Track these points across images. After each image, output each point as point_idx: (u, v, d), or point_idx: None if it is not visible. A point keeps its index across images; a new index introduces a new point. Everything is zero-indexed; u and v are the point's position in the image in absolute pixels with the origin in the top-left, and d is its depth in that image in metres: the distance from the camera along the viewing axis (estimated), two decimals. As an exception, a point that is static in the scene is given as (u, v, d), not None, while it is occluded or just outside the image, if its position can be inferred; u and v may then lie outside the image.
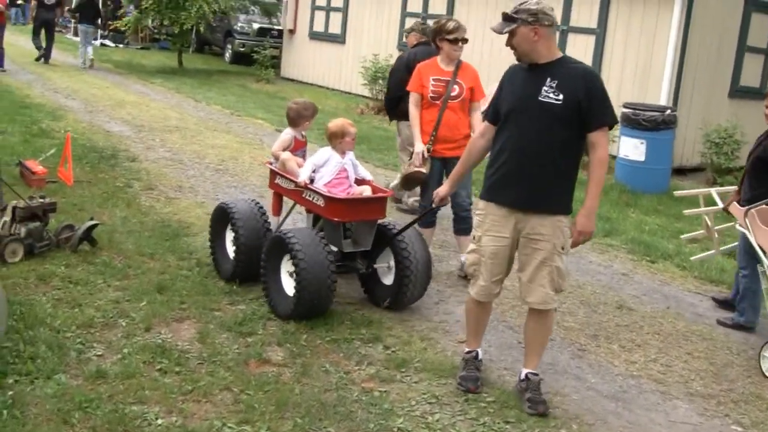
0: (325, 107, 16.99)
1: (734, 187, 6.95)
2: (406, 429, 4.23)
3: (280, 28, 23.27)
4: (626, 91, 12.60)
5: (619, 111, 10.54)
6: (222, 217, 6.20)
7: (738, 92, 13.04)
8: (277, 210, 6.38)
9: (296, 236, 5.39)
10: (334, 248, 5.72)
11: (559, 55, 4.52)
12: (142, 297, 5.55)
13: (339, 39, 19.53)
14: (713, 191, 7.13)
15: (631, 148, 11.16)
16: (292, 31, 21.51)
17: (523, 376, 4.72)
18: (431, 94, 6.58)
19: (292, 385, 4.57)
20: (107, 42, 26.80)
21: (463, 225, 6.80)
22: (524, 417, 4.50)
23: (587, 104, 4.35)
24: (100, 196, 8.11)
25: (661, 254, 8.14)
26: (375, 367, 4.90)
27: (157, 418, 4.04)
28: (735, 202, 6.33)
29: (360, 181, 6.04)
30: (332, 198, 5.59)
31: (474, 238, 4.72)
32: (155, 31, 26.34)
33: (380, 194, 5.86)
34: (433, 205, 5.26)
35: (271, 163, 6.33)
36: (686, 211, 7.69)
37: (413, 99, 6.72)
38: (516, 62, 4.64)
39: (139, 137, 11.56)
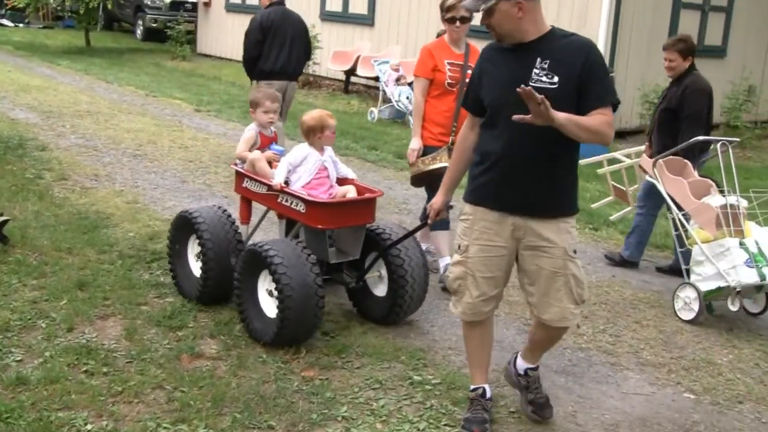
0: (247, 83, 16.84)
1: (639, 148, 7.67)
2: (351, 417, 4.25)
3: (194, 0, 22.95)
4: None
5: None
6: (183, 228, 5.63)
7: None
8: (246, 217, 5.75)
9: (275, 248, 4.87)
10: (317, 259, 5.07)
11: (548, 28, 3.91)
12: (61, 295, 5.45)
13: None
14: (617, 154, 7.74)
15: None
16: (207, 4, 21.25)
17: (521, 370, 4.44)
18: (449, 80, 6.09)
19: (228, 378, 4.55)
20: (5, 21, 26.16)
21: (439, 227, 6.12)
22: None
23: (585, 82, 3.78)
24: (9, 189, 7.92)
25: (604, 221, 8.30)
26: (314, 354, 4.91)
27: (86, 424, 3.98)
28: (644, 155, 6.95)
29: (342, 181, 5.50)
30: (315, 202, 5.03)
31: (459, 247, 4.13)
32: (58, 8, 25.74)
33: (368, 195, 5.27)
34: (429, 221, 4.59)
35: (236, 164, 5.69)
36: (599, 171, 8.07)
37: (421, 85, 6.23)
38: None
39: (48, 124, 11.31)
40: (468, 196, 4.14)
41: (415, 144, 6.21)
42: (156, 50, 21.73)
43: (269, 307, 4.93)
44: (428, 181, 6.11)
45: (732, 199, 6.11)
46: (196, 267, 5.54)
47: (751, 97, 13.59)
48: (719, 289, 5.89)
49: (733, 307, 5.90)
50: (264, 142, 5.69)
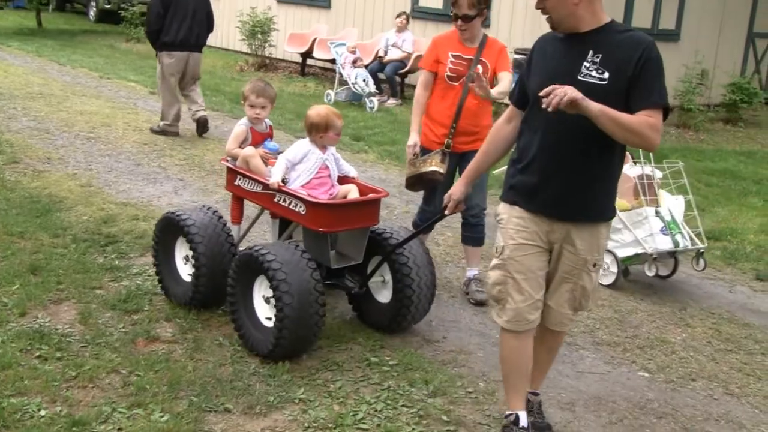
0: (202, 66, 16.69)
1: None
2: (308, 399, 4.24)
3: (147, -18, 22.63)
4: (517, 36, 12.79)
5: (510, 57, 10.69)
6: (170, 231, 5.24)
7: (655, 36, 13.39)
8: (238, 217, 5.36)
9: (272, 253, 4.51)
10: (317, 263, 4.71)
11: (607, 19, 3.62)
12: (13, 280, 5.36)
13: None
14: None
15: None
16: (161, -15, 20.95)
17: None
18: (449, 73, 5.58)
19: (184, 362, 4.52)
20: (-47, 3, 25.57)
21: (473, 233, 5.85)
22: (430, 378, 4.57)
23: (636, 80, 3.48)
24: (-41, 172, 7.77)
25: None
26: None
27: (39, 410, 3.92)
28: None
29: (342, 179, 5.14)
30: (316, 203, 4.67)
31: (496, 249, 3.88)
32: (8, -12, 25.27)
33: (373, 195, 4.93)
34: (446, 212, 4.26)
35: (227, 161, 5.33)
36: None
37: (422, 78, 5.78)
38: (549, 31, 3.79)
39: (-1, 106, 11.11)
40: (503, 196, 3.89)
41: (412, 140, 5.74)
42: (110, 32, 21.40)
43: (266, 315, 4.63)
44: (420, 185, 5.81)
45: (647, 170, 6.48)
46: (185, 271, 5.21)
47: (704, 80, 13.71)
48: (637, 255, 6.26)
49: (650, 272, 6.23)
50: (256, 138, 5.31)
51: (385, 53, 13.94)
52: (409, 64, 13.80)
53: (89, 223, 6.64)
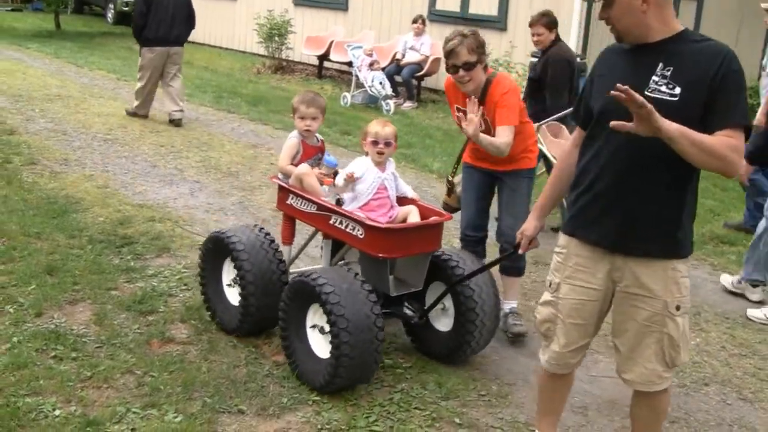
0: (219, 68, 16.78)
1: None
2: (322, 401, 4.25)
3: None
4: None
5: (527, 61, 10.70)
6: (217, 251, 4.99)
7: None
8: (289, 237, 5.09)
9: (328, 280, 4.22)
10: (374, 290, 4.39)
11: (679, 28, 3.26)
12: (30, 280, 5.41)
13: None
14: None
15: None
16: (179, -12, 21.06)
17: None
18: (456, 120, 5.26)
19: (198, 363, 4.54)
20: (-26, 5, 25.80)
21: (510, 261, 5.30)
22: (443, 380, 4.58)
23: (713, 96, 3.10)
24: (-23, 173, 7.85)
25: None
26: (286, 339, 4.90)
27: (54, 409, 3.96)
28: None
29: (401, 199, 4.87)
30: (377, 228, 4.36)
31: (550, 285, 3.59)
32: (27, -9, 25.49)
33: (435, 219, 4.65)
34: (520, 251, 3.93)
35: (278, 178, 5.04)
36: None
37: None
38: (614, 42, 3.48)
39: (17, 108, 11.17)
40: (564, 225, 3.58)
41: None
42: (127, 34, 21.38)
43: (320, 346, 4.35)
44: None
45: None
46: (233, 295, 4.94)
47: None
48: None
49: None
50: (308, 152, 5.01)
51: (403, 56, 13.95)
52: (426, 67, 13.81)
53: (105, 224, 6.69)
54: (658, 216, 3.27)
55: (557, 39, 7.60)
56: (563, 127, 7.45)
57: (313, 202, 4.68)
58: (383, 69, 13.70)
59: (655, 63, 3.21)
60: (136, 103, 11.15)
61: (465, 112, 4.94)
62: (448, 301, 4.74)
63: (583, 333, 3.52)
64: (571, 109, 7.05)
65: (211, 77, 15.45)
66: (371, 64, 13.44)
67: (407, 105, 13.79)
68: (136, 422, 3.92)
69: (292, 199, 4.87)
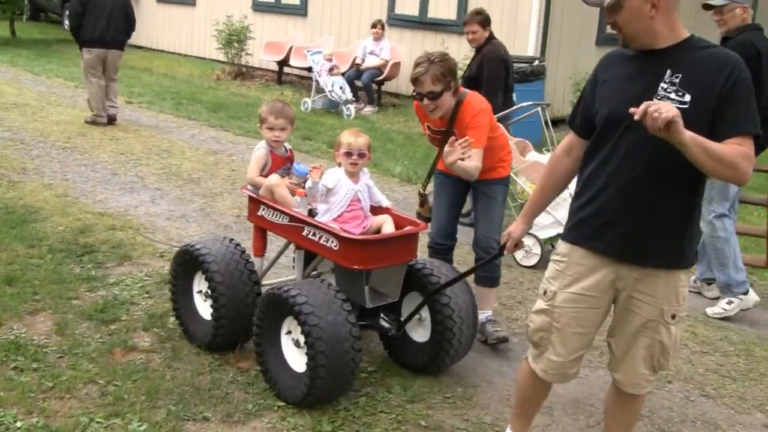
0: (178, 75, 16.68)
1: None
2: (287, 407, 4.23)
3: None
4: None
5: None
6: (188, 265, 4.86)
7: (605, 39, 13.46)
8: (261, 249, 4.98)
9: (302, 293, 4.14)
10: (349, 301, 4.30)
11: (685, 35, 3.21)
12: (-11, 291, 5.34)
13: (189, 1, 19.10)
14: None
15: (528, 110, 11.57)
16: (136, -6, 20.93)
17: None
18: (427, 139, 5.34)
19: (162, 371, 4.51)
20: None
21: (485, 272, 5.21)
22: (408, 384, 4.58)
23: (722, 104, 3.06)
24: (-67, 184, 7.72)
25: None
26: (249, 345, 4.86)
27: (15, 421, 3.90)
28: None
29: (374, 209, 4.80)
30: (352, 239, 4.30)
31: (545, 293, 3.49)
32: (-19, -1, 25.10)
33: (411, 229, 4.58)
34: (505, 252, 3.95)
35: (248, 189, 4.92)
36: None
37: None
38: (615, 49, 3.45)
39: (-27, 117, 11.04)
40: (565, 234, 3.49)
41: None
42: (85, 41, 21.30)
43: (296, 360, 4.26)
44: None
45: None
46: (205, 309, 4.81)
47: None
48: (558, 235, 6.35)
49: None
50: (277, 163, 4.91)
51: (363, 61, 13.97)
52: (386, 72, 13.83)
53: (65, 233, 6.62)
54: (667, 227, 3.23)
55: (491, 37, 7.70)
56: (527, 143, 7.52)
57: (286, 214, 4.59)
58: (343, 74, 13.70)
59: (663, 70, 3.15)
60: (91, 113, 11.15)
61: (437, 132, 5.03)
62: (424, 311, 4.65)
63: (583, 342, 3.45)
64: (514, 108, 7.42)
65: (170, 84, 15.35)
66: (331, 69, 13.43)
67: (368, 110, 13.80)
68: (100, 432, 3.89)
69: (264, 210, 4.76)
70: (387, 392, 4.49)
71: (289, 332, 4.31)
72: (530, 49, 12.48)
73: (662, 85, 3.13)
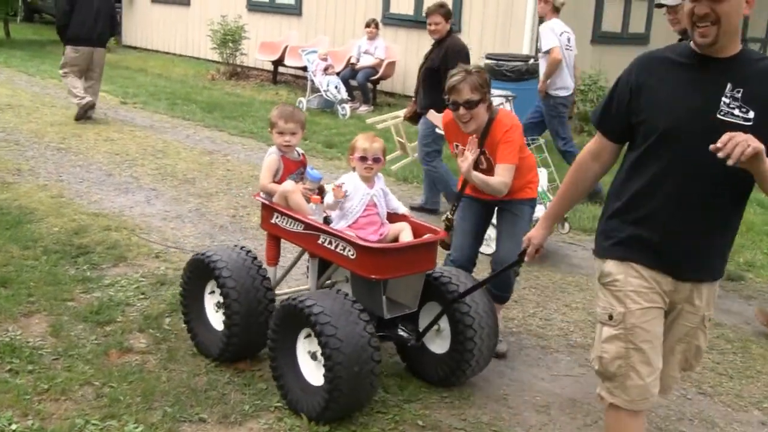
0: (173, 75, 16.66)
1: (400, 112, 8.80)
2: (284, 407, 4.21)
3: (117, -9, 22.54)
4: (488, 41, 12.87)
5: (481, 62, 10.75)
6: (199, 274, 4.70)
7: (600, 38, 13.47)
8: (274, 258, 4.86)
9: (319, 303, 4.00)
10: (367, 312, 4.12)
11: (740, 46, 3.03)
12: (-17, 293, 5.31)
13: (184, 1, 19.06)
14: (398, 113, 9.16)
15: (495, 101, 11.49)
16: (131, -5, 20.90)
17: None
18: (453, 156, 5.12)
19: (158, 372, 4.49)
20: None
21: (498, 289, 4.97)
22: (404, 384, 4.57)
23: None
24: (-73, 185, 7.69)
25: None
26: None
27: (10, 424, 3.88)
28: (432, 110, 7.55)
29: (391, 216, 4.66)
30: (370, 248, 4.15)
31: (611, 318, 3.22)
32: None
33: (430, 237, 4.40)
34: (526, 258, 3.80)
35: (261, 196, 4.79)
36: (368, 120, 9.65)
37: None
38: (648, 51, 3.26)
39: (-33, 118, 11.01)
40: (610, 251, 3.26)
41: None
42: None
43: (313, 374, 4.10)
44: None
45: None
46: (217, 320, 4.67)
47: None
48: None
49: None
50: (289, 168, 4.77)
51: (358, 60, 13.95)
52: (381, 71, 13.82)
53: (60, 234, 6.59)
54: (720, 240, 3.18)
55: (451, 29, 7.79)
56: None
57: (300, 221, 4.46)
58: (338, 73, 13.69)
59: (723, 82, 2.96)
60: (77, 99, 11.21)
61: (463, 150, 4.81)
62: (442, 322, 4.49)
63: (659, 354, 3.24)
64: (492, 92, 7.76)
65: (165, 84, 15.32)
66: (326, 69, 13.42)
67: (363, 109, 13.78)
68: (96, 434, 3.86)
69: (277, 218, 4.62)
70: (384, 392, 4.47)
71: (307, 337, 4.14)
72: (525, 48, 12.45)
73: (724, 99, 2.95)
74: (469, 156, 4.62)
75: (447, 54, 7.55)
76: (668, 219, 3.09)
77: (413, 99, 8.10)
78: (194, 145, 10.45)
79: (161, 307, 5.28)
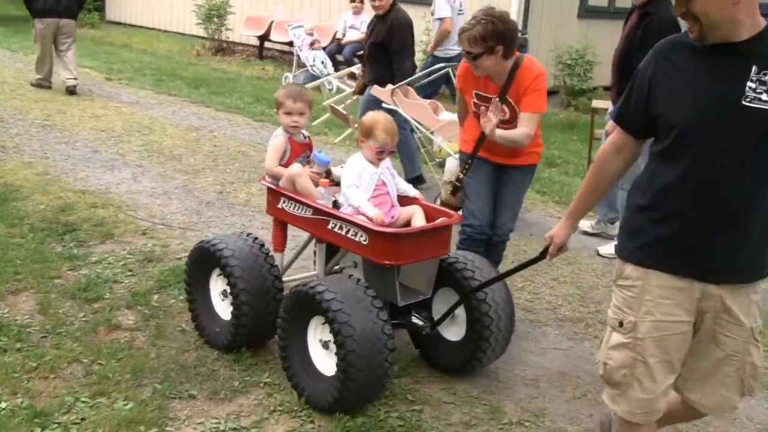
0: (158, 51, 16.54)
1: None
2: (273, 383, 4.22)
3: (100, -34, 22.34)
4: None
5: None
6: (204, 263, 4.59)
7: (587, 12, 13.46)
8: (281, 244, 4.75)
9: (331, 289, 3.89)
10: (380, 304, 3.98)
11: (764, 22, 2.80)
12: (-30, 271, 5.28)
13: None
14: (331, 77, 10.58)
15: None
16: (114, -30, 20.70)
17: None
18: (473, 109, 4.99)
19: (147, 349, 4.48)
20: None
21: (495, 256, 5.19)
22: (395, 359, 4.57)
23: None
24: None
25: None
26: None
27: (0, 402, 3.88)
28: (376, 85, 7.75)
29: (401, 199, 4.49)
30: (384, 233, 4.00)
31: (621, 324, 3.04)
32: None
33: (444, 221, 4.24)
34: (548, 257, 3.61)
35: (266, 180, 4.64)
36: (325, 102, 9.85)
37: (459, 96, 5.21)
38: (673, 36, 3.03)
39: (-50, 95, 10.91)
40: (632, 254, 3.04)
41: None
42: (62, 18, 21.07)
43: (325, 363, 4.00)
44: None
45: None
46: (224, 309, 4.55)
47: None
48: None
49: None
50: (296, 150, 4.63)
51: (344, 35, 13.87)
52: (368, 46, 13.74)
53: (46, 211, 6.55)
54: (759, 237, 2.91)
55: (395, 3, 7.78)
56: (410, 88, 7.99)
57: (309, 206, 4.33)
58: (324, 48, 13.61)
59: (747, 66, 2.74)
60: (37, 76, 11.63)
61: (484, 97, 4.79)
62: (459, 309, 4.37)
63: (669, 371, 3.03)
64: (423, 71, 8.40)
65: (150, 60, 15.21)
66: (312, 44, 13.35)
67: (349, 83, 13.71)
68: (86, 411, 3.84)
69: (284, 202, 4.49)
70: (374, 368, 4.47)
71: (318, 325, 4.04)
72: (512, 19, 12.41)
73: (749, 84, 2.73)
74: (492, 118, 4.55)
75: (392, 28, 7.58)
76: (695, 216, 2.85)
77: (361, 73, 8.10)
78: (180, 121, 10.39)
79: (149, 284, 5.26)
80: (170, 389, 4.09)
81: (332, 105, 9.31)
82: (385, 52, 7.68)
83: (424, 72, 8.74)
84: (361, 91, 8.30)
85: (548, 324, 5.23)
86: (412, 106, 7.79)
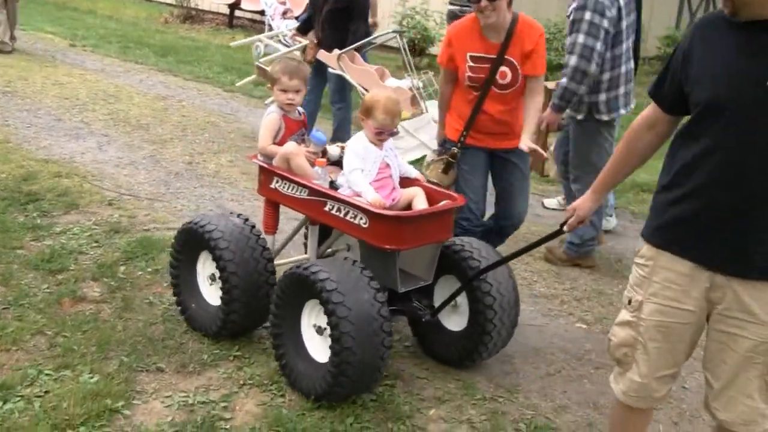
0: (124, 17, 16.37)
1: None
2: (244, 356, 4.23)
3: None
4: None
5: (445, 9, 10.72)
6: (192, 245, 4.42)
7: (565, -16, 13.44)
8: (273, 226, 4.57)
9: (325, 270, 3.79)
10: (378, 285, 3.84)
11: None
12: (-72, 240, 5.23)
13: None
14: (262, 36, 10.60)
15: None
16: (78, -68, 20.42)
17: None
18: (468, 82, 4.75)
19: (113, 321, 4.46)
20: None
21: (496, 243, 5.00)
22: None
23: None
24: None
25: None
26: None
27: (-40, 374, 3.86)
28: (322, 50, 7.81)
29: (402, 180, 4.35)
30: (385, 216, 3.86)
31: (629, 302, 3.04)
32: None
33: (448, 204, 4.10)
34: (566, 229, 3.49)
35: (258, 158, 4.48)
36: (233, 44, 10.74)
37: (442, 74, 4.99)
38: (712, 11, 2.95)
39: None
40: (649, 234, 3.00)
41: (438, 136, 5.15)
42: (24, -18, 20.81)
43: (319, 349, 3.90)
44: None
45: (416, 82, 8.26)
46: (212, 294, 4.43)
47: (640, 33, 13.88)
48: (423, 157, 6.65)
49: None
50: (291, 128, 4.46)
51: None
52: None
53: (8, 180, 6.48)
54: None
55: None
56: (357, 54, 8.03)
57: (305, 186, 4.19)
58: (297, 17, 13.52)
59: None
60: None
61: (483, 60, 4.64)
62: (461, 297, 4.23)
63: (670, 360, 2.97)
64: (387, 31, 8.72)
65: (116, 27, 15.06)
66: (284, 13, 13.25)
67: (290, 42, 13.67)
68: (49, 384, 3.83)
69: (278, 183, 4.33)
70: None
71: (312, 309, 3.94)
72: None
73: None
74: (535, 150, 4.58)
75: None
76: (719, 202, 2.74)
77: (315, 42, 7.95)
78: (147, 90, 10.31)
79: (115, 256, 5.23)
80: (137, 362, 4.08)
81: (260, 65, 9.01)
82: (343, 18, 7.71)
83: (373, 37, 8.71)
84: (314, 59, 8.12)
85: (523, 300, 5.24)
86: (359, 72, 7.94)
